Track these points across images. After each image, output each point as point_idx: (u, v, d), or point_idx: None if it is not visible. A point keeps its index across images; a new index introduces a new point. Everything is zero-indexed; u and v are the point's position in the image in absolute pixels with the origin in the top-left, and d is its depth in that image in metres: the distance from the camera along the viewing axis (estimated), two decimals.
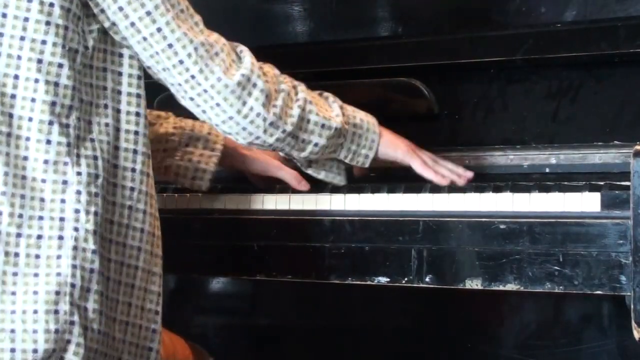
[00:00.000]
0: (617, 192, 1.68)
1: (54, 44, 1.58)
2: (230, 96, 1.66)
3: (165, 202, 2.04)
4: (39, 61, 1.58)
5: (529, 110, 1.99)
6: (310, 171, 1.91)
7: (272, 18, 2.31)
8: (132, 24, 1.61)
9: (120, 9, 1.60)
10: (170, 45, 1.62)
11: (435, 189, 1.84)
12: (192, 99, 1.67)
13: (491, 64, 2.03)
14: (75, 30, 1.60)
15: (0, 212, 1.56)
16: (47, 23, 1.58)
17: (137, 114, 1.67)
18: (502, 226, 1.71)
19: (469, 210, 1.77)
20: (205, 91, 1.65)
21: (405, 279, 1.78)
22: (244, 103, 1.67)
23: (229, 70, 1.66)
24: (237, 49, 1.71)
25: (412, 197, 1.83)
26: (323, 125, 1.78)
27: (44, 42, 1.58)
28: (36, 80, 1.58)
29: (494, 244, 1.72)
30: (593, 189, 1.72)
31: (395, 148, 1.88)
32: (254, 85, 1.68)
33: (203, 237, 1.97)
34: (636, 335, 1.61)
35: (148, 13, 1.61)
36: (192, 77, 1.64)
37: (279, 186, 1.97)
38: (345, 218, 1.84)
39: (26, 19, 1.58)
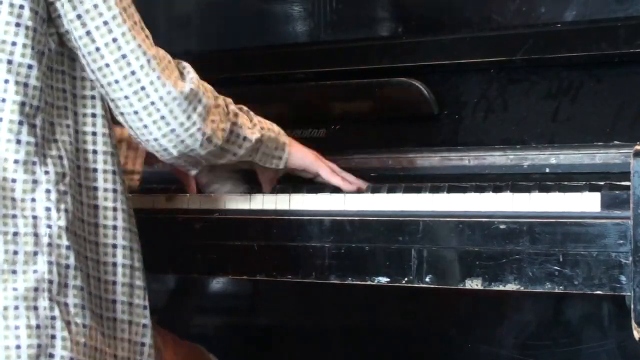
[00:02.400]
0: (617, 192, 1.68)
1: (24, 45, 1.59)
2: (177, 109, 1.67)
3: (165, 202, 2.04)
4: (9, 62, 1.59)
5: (529, 110, 1.99)
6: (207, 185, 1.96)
7: (272, 18, 2.31)
8: (88, 33, 1.62)
9: (79, 16, 1.62)
10: (124, 56, 1.63)
11: (435, 189, 1.84)
12: (136, 112, 1.67)
13: (491, 64, 2.03)
14: (42, 32, 1.62)
15: None
16: (17, 25, 1.59)
17: (93, 115, 1.68)
18: (502, 226, 1.71)
19: (469, 210, 1.77)
20: (153, 103, 1.66)
21: (405, 279, 1.78)
22: (189, 117, 1.69)
23: (178, 84, 1.68)
24: (179, 65, 1.73)
25: (412, 197, 1.83)
26: (245, 138, 1.81)
27: (14, 44, 1.59)
28: (6, 81, 1.59)
29: (494, 244, 1.72)
30: (593, 189, 1.72)
31: (304, 155, 1.93)
32: (199, 100, 1.70)
33: (203, 237, 1.97)
34: (636, 335, 1.61)
35: (105, 23, 1.62)
36: (142, 88, 1.65)
37: (279, 186, 1.97)
38: (345, 218, 1.84)
39: None
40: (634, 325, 1.60)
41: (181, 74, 1.72)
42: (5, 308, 1.56)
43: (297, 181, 1.97)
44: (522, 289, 1.70)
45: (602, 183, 1.75)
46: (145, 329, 1.71)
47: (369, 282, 1.82)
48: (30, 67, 1.60)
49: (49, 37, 1.63)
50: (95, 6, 1.61)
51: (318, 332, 2.57)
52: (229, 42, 2.34)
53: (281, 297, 2.61)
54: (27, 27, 1.59)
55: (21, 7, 1.59)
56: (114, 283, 1.68)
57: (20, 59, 1.59)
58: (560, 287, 1.67)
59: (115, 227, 1.69)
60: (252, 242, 1.91)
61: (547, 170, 1.91)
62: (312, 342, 2.58)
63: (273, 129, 1.90)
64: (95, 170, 1.68)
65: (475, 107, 2.03)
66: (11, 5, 1.59)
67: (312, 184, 1.94)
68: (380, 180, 1.94)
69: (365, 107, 2.07)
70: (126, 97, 1.66)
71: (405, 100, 2.07)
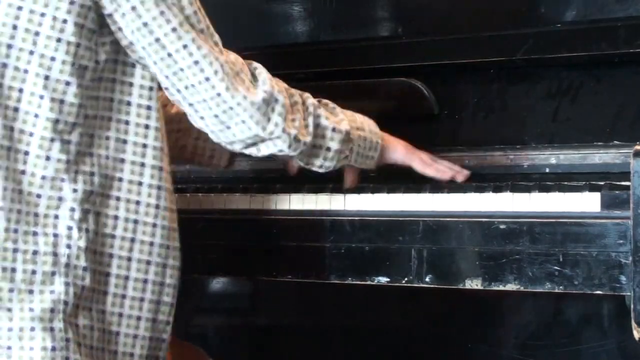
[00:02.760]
0: (617, 192, 1.68)
1: (63, 62, 1.56)
2: (256, 113, 1.64)
3: None
4: (46, 77, 1.56)
5: (529, 110, 1.98)
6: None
7: (272, 18, 2.31)
8: (157, 40, 1.58)
9: (145, 24, 1.57)
10: (196, 62, 1.60)
11: (435, 189, 1.84)
12: (216, 115, 1.64)
13: (491, 64, 2.02)
14: (87, 47, 1.58)
15: None
16: (58, 40, 1.56)
17: (147, 127, 1.65)
18: (502, 226, 1.71)
19: (469, 210, 1.77)
20: (232, 108, 1.63)
21: (405, 279, 1.78)
22: (269, 119, 1.66)
23: (251, 88, 1.65)
24: (251, 66, 1.70)
25: (412, 197, 1.83)
26: (334, 129, 1.76)
27: (53, 59, 1.56)
28: (41, 97, 1.56)
29: (494, 244, 1.72)
30: (593, 189, 1.72)
31: (395, 149, 1.88)
32: (276, 100, 1.67)
33: (203, 237, 1.97)
34: (636, 335, 1.61)
35: (174, 30, 1.59)
36: (218, 94, 1.62)
37: (279, 186, 1.97)
38: (345, 218, 1.84)
39: (37, 34, 1.56)
40: (634, 325, 1.60)
41: (253, 76, 1.68)
42: (21, 329, 1.54)
43: (298, 181, 1.97)
44: (522, 288, 1.70)
45: (602, 183, 1.75)
46: (164, 344, 1.69)
47: (369, 282, 1.82)
48: (68, 83, 1.57)
49: (99, 48, 1.60)
50: (162, 13, 1.57)
51: (318, 332, 2.57)
52: (229, 42, 2.34)
53: (281, 297, 2.61)
54: (68, 43, 1.56)
55: (64, 21, 1.56)
56: (141, 300, 1.65)
57: (58, 75, 1.56)
58: (560, 287, 1.67)
59: (152, 244, 1.65)
60: (252, 242, 1.91)
61: (547, 170, 1.91)
62: (312, 342, 2.58)
63: (362, 127, 1.84)
64: (140, 183, 1.64)
65: (475, 107, 2.03)
66: (54, 19, 1.55)
67: (313, 184, 1.93)
68: (380, 180, 1.94)
69: (366, 107, 2.07)
70: (204, 101, 1.63)
71: (405, 100, 2.07)
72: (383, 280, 1.80)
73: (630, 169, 1.61)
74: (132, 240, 1.64)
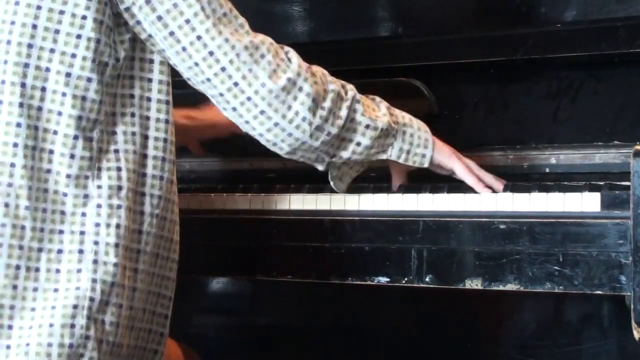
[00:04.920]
0: (617, 192, 1.68)
1: (84, 58, 1.56)
2: (275, 101, 1.63)
3: None
4: (68, 75, 1.56)
5: (529, 110, 1.99)
6: (333, 182, 1.86)
7: (272, 18, 2.31)
8: (172, 33, 1.58)
9: (159, 18, 1.57)
10: (211, 53, 1.59)
11: (435, 189, 1.84)
12: (234, 109, 1.63)
13: (491, 64, 2.03)
14: (107, 43, 1.58)
15: (23, 227, 1.55)
16: (78, 36, 1.56)
17: (166, 121, 1.65)
18: (502, 226, 1.71)
19: (469, 210, 1.77)
20: (249, 99, 1.62)
21: (405, 279, 1.78)
22: (289, 107, 1.64)
23: (275, 73, 1.63)
24: (283, 49, 1.68)
25: (412, 197, 1.83)
26: (368, 126, 1.74)
27: (73, 56, 1.56)
28: (63, 94, 1.56)
29: (494, 244, 1.72)
30: (593, 189, 1.72)
31: (441, 150, 1.84)
32: (300, 89, 1.64)
33: (203, 237, 1.97)
34: (636, 335, 1.61)
35: (187, 21, 1.58)
36: (235, 84, 1.61)
37: (279, 186, 1.97)
38: (345, 218, 1.84)
39: (57, 31, 1.56)
40: (634, 325, 1.60)
41: (288, 59, 1.66)
42: (40, 325, 1.53)
43: (298, 181, 1.97)
44: (522, 289, 1.70)
45: (602, 183, 1.75)
46: (161, 337, 1.69)
47: (369, 282, 1.82)
48: (89, 80, 1.57)
49: (118, 45, 1.60)
50: (175, 5, 1.57)
51: (318, 332, 2.57)
52: None
53: (281, 297, 2.61)
54: (88, 39, 1.56)
55: (84, 17, 1.56)
56: (148, 292, 1.65)
57: (80, 72, 1.56)
58: (560, 287, 1.67)
59: (164, 238, 1.66)
60: (252, 242, 1.91)
61: (547, 170, 1.91)
62: (312, 342, 2.58)
63: (410, 124, 1.81)
64: (161, 178, 1.64)
65: (475, 107, 2.03)
66: (73, 15, 1.56)
67: (313, 184, 1.93)
68: (380, 180, 1.94)
69: None
70: (221, 95, 1.62)
71: (405, 100, 2.07)
72: (383, 280, 1.80)
73: (630, 169, 1.61)
74: (155, 235, 1.64)
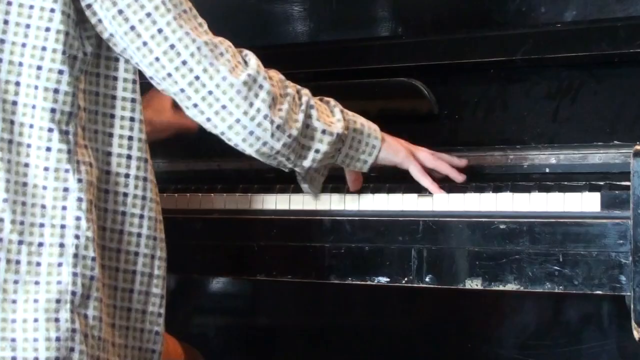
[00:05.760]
0: (617, 192, 1.68)
1: (54, 50, 1.57)
2: (237, 96, 1.61)
3: (165, 202, 2.04)
4: (39, 68, 1.57)
5: (529, 110, 1.99)
6: (305, 185, 1.87)
7: (272, 18, 2.31)
8: (132, 28, 1.58)
9: (120, 12, 1.57)
10: (172, 46, 1.59)
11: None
12: (196, 105, 1.61)
13: (491, 64, 2.02)
14: (75, 36, 1.59)
15: (2, 219, 1.55)
16: (47, 29, 1.56)
17: (132, 119, 1.65)
18: (502, 226, 1.71)
19: (469, 210, 1.77)
20: (210, 92, 1.60)
21: (405, 279, 1.78)
22: (251, 104, 1.62)
23: (235, 71, 1.62)
24: (241, 53, 1.68)
25: (412, 197, 1.83)
26: (324, 131, 1.73)
27: (44, 49, 1.57)
28: (36, 87, 1.57)
29: (494, 244, 1.72)
30: (593, 189, 1.72)
31: (396, 153, 1.85)
32: (260, 86, 1.64)
33: (203, 237, 1.97)
34: (636, 335, 1.61)
35: (148, 14, 1.58)
36: (197, 77, 1.60)
37: (279, 186, 1.97)
38: (345, 218, 1.84)
39: (27, 26, 1.56)
40: (634, 325, 1.60)
41: (244, 61, 1.65)
42: (25, 320, 1.54)
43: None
44: (522, 289, 1.70)
45: (602, 183, 1.75)
46: (157, 337, 1.68)
47: (369, 282, 1.82)
48: (61, 72, 1.57)
49: (85, 41, 1.60)
50: None
51: (318, 332, 2.57)
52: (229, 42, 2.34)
53: (281, 297, 2.61)
54: (57, 31, 1.56)
55: (52, 10, 1.56)
56: (132, 291, 1.65)
57: (50, 64, 1.57)
58: (560, 287, 1.67)
59: (139, 235, 1.66)
60: (252, 242, 1.91)
61: (547, 170, 1.91)
62: (312, 342, 2.58)
63: (361, 129, 1.80)
64: (127, 175, 1.64)
65: (475, 107, 2.03)
66: (42, 9, 1.56)
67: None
68: (380, 180, 1.94)
69: (366, 107, 2.07)
70: (182, 90, 1.61)
71: (405, 100, 2.07)
72: (383, 280, 1.80)
73: (630, 169, 1.61)
74: (121, 232, 1.65)
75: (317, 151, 1.74)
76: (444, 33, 2.11)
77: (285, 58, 2.22)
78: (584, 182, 1.77)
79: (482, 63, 2.03)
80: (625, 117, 1.90)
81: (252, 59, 1.67)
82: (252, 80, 1.63)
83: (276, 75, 1.71)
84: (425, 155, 1.88)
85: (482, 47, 2.03)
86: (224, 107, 1.62)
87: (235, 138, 1.64)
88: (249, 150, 1.66)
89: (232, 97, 1.61)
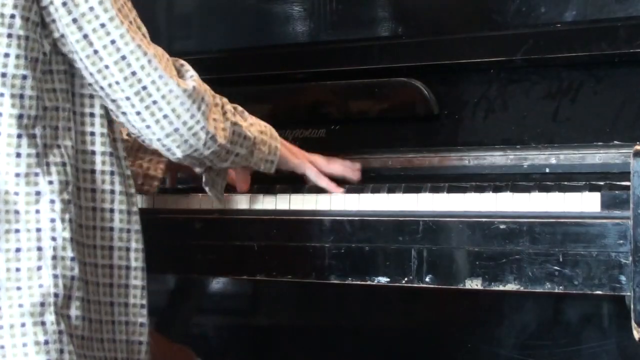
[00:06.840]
0: (617, 192, 1.68)
1: (17, 56, 1.57)
2: (180, 107, 1.65)
3: (165, 202, 2.04)
4: (4, 75, 1.57)
5: (529, 110, 1.99)
6: (207, 187, 1.90)
7: (272, 18, 2.31)
8: (85, 36, 1.59)
9: (74, 20, 1.59)
10: (123, 57, 1.61)
11: (435, 189, 1.84)
12: (138, 112, 1.64)
13: (491, 64, 2.02)
14: (35, 39, 1.59)
15: None
16: (9, 35, 1.57)
17: (92, 115, 1.66)
18: (502, 226, 1.71)
19: (469, 210, 1.77)
20: (155, 102, 1.63)
21: (405, 279, 1.78)
22: (192, 116, 1.67)
23: (183, 81, 1.66)
24: (177, 63, 1.71)
25: (412, 197, 1.83)
26: (245, 137, 1.79)
27: (7, 55, 1.57)
28: (2, 95, 1.57)
29: (494, 244, 1.72)
30: (593, 189, 1.72)
31: (292, 156, 1.92)
32: (202, 98, 1.68)
33: (203, 237, 1.97)
34: (636, 335, 1.61)
35: (102, 25, 1.59)
36: (144, 88, 1.63)
37: (279, 186, 1.97)
38: (345, 218, 1.84)
39: None
40: (634, 325, 1.60)
41: (179, 72, 1.70)
42: (12, 326, 1.54)
43: (298, 181, 1.97)
44: (522, 289, 1.70)
45: (602, 183, 1.75)
46: (142, 328, 1.70)
47: (369, 282, 1.82)
48: (24, 77, 1.58)
49: (44, 40, 1.61)
50: (91, 9, 1.59)
51: (318, 332, 2.57)
52: (229, 42, 2.34)
53: (281, 297, 2.61)
54: (19, 37, 1.57)
55: (12, 16, 1.56)
56: (111, 285, 1.67)
57: (14, 71, 1.57)
58: (560, 287, 1.67)
59: (112, 229, 1.67)
60: (252, 242, 1.91)
61: (547, 170, 1.91)
62: (312, 342, 2.58)
63: (266, 131, 1.87)
64: (93, 171, 1.66)
65: (475, 107, 2.03)
66: (2, 15, 1.56)
67: (313, 184, 1.94)
68: (380, 180, 1.94)
69: (365, 107, 2.07)
70: (127, 98, 1.63)
71: (405, 100, 2.07)
72: (383, 280, 1.80)
73: (630, 169, 1.61)
74: (94, 227, 1.66)
75: (237, 155, 1.80)
76: (444, 33, 2.11)
77: (285, 58, 2.22)
78: (584, 182, 1.77)
79: (482, 63, 2.03)
80: (625, 117, 1.90)
81: (190, 70, 1.71)
82: (197, 92, 1.67)
83: (204, 84, 1.74)
84: (318, 159, 1.95)
85: (482, 47, 2.03)
86: (165, 116, 1.65)
87: (170, 145, 1.68)
88: (178, 154, 1.71)
89: (174, 108, 1.65)
